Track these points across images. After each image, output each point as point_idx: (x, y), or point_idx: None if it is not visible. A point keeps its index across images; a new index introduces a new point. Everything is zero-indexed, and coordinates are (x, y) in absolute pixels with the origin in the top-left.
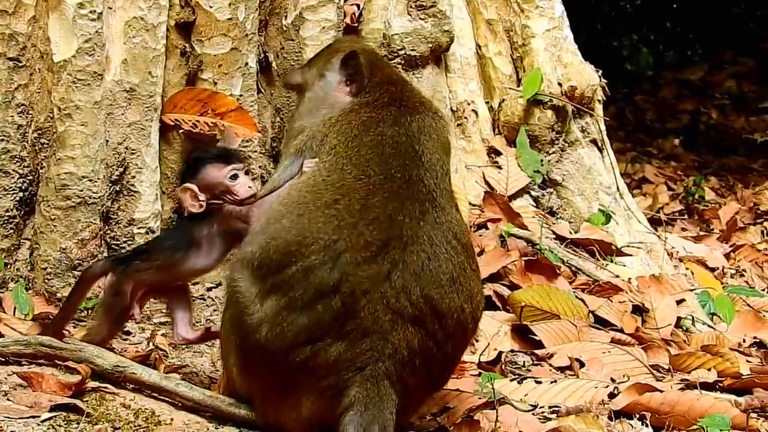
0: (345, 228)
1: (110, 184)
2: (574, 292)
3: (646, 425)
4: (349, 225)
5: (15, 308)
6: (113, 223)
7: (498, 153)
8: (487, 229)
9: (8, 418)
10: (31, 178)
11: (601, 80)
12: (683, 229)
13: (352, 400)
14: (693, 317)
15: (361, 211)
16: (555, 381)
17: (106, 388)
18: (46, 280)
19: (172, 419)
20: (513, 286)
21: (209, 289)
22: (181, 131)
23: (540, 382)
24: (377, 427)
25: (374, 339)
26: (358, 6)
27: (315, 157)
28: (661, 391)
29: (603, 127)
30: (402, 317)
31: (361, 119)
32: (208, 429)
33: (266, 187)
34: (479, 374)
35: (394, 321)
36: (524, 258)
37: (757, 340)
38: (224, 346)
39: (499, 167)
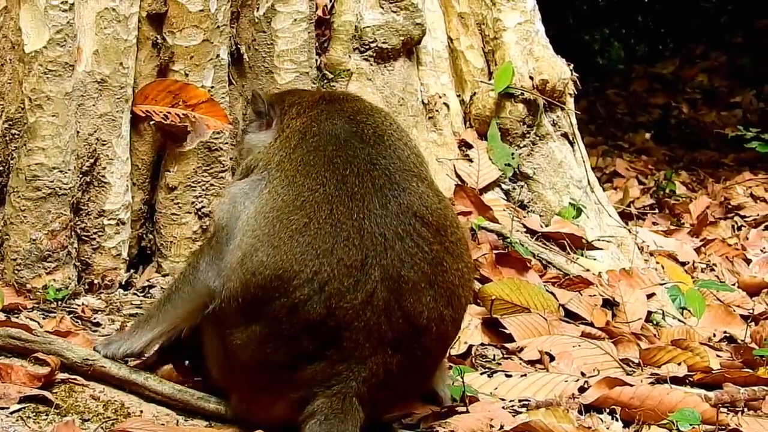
0: (324, 256)
1: (81, 175)
2: (544, 285)
3: (616, 419)
4: (327, 252)
5: None
6: (84, 214)
7: (469, 146)
8: None
9: None
10: (1, 168)
11: (572, 74)
12: (654, 223)
13: (315, 409)
14: (663, 311)
15: (333, 234)
16: (525, 375)
17: (75, 379)
18: (16, 271)
19: (141, 411)
20: (483, 280)
21: None
22: (152, 122)
23: (510, 376)
24: None
25: (352, 363)
26: None
27: (263, 179)
28: (631, 386)
29: (574, 121)
30: (382, 342)
31: (296, 128)
32: (177, 421)
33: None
34: (450, 368)
35: (375, 347)
36: (495, 251)
37: (728, 335)
38: (204, 346)
39: (470, 160)
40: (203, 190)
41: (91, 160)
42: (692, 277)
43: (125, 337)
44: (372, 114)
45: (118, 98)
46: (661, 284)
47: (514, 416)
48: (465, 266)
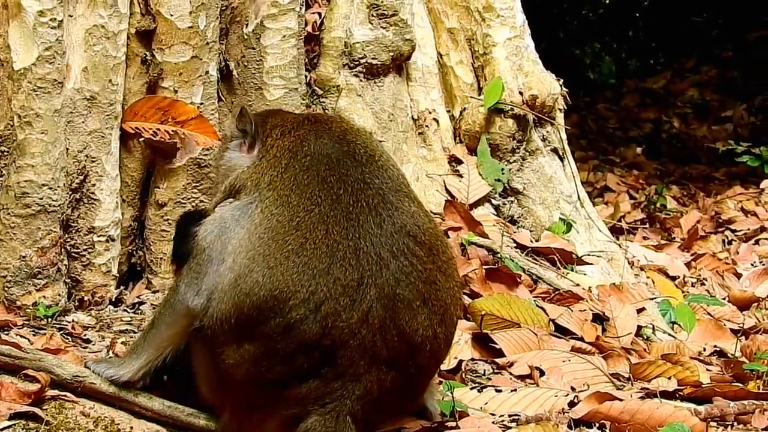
0: (320, 276)
1: (70, 192)
2: (534, 300)
3: None
4: (323, 272)
5: None
6: (73, 231)
7: (459, 161)
8: (448, 237)
9: None
10: None
11: (562, 89)
12: (645, 238)
13: (308, 427)
14: (653, 326)
15: (329, 253)
16: (515, 390)
17: (65, 396)
18: (6, 288)
19: (131, 428)
20: (474, 295)
21: None
22: (141, 139)
23: (500, 391)
24: None
25: (346, 381)
26: (319, 14)
27: (254, 200)
28: (621, 400)
29: (564, 136)
30: (377, 360)
31: (286, 147)
32: None
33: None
34: (440, 383)
35: (369, 364)
36: (485, 266)
37: (718, 349)
38: (194, 362)
39: (460, 176)
40: (193, 206)
41: (81, 177)
42: (682, 292)
43: (115, 363)
44: (359, 134)
45: (107, 115)
46: (652, 299)
47: (503, 431)
48: (456, 285)
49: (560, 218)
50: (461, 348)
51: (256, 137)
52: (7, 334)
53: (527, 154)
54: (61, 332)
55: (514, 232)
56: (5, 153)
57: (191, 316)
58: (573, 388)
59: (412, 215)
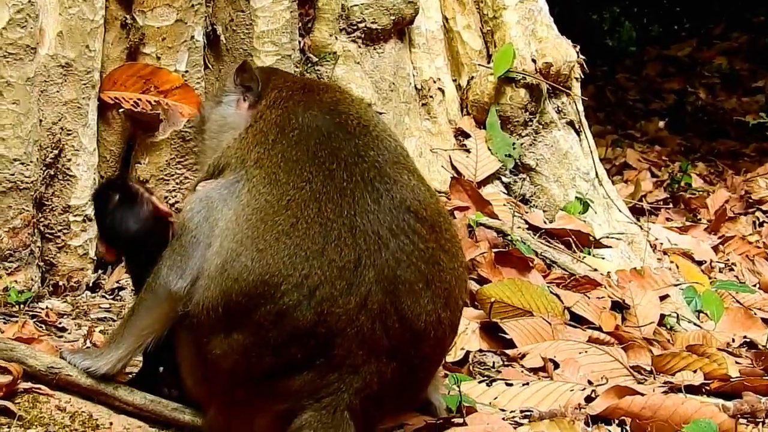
0: (314, 258)
1: (44, 168)
2: (548, 286)
3: (626, 431)
4: (317, 254)
5: None
6: (47, 210)
7: (466, 135)
8: (454, 217)
9: None
10: None
11: (579, 56)
12: (668, 219)
13: (303, 423)
14: (678, 315)
15: (323, 233)
16: (527, 383)
17: (39, 389)
18: None
19: (111, 423)
20: (482, 280)
21: None
22: (121, 110)
23: (511, 385)
24: None
25: (344, 372)
26: None
27: (241, 179)
28: (643, 395)
29: (581, 108)
30: (376, 350)
31: (272, 121)
32: None
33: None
34: (445, 375)
35: (369, 355)
36: (494, 250)
37: (747, 340)
38: (179, 354)
39: (468, 151)
40: (177, 183)
41: (56, 152)
42: (709, 278)
43: (92, 354)
44: (353, 104)
45: (84, 84)
46: (676, 285)
47: (515, 428)
48: (460, 265)
49: (576, 197)
50: (468, 338)
51: (261, 94)
52: None
53: (540, 127)
54: (35, 320)
55: (526, 213)
56: None
57: (174, 300)
58: (590, 382)
59: (412, 189)
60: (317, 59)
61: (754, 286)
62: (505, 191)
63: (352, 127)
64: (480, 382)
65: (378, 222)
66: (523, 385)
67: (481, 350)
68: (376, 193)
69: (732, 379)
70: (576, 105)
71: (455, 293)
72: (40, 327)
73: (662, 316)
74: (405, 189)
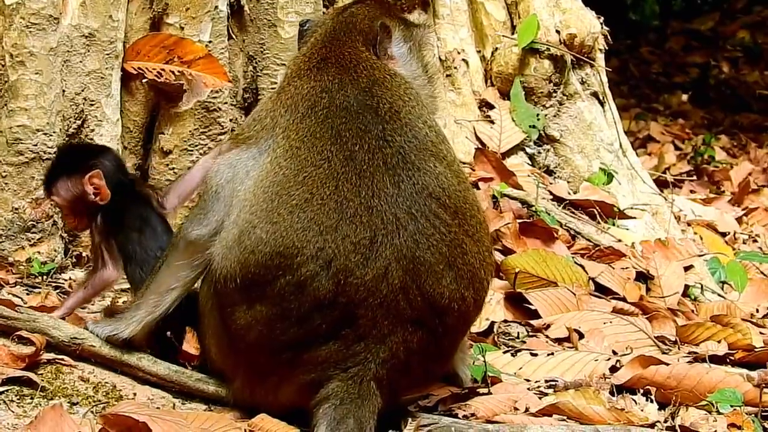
0: (327, 233)
1: (67, 138)
2: (572, 257)
3: (651, 401)
4: (330, 228)
5: None
6: None
7: (490, 106)
8: (478, 189)
9: None
10: None
11: (603, 27)
12: (692, 191)
13: (329, 392)
14: (702, 285)
15: (338, 210)
16: (552, 353)
17: (62, 360)
18: None
19: (134, 394)
20: (506, 251)
21: None
22: (144, 81)
23: (536, 355)
24: (352, 421)
25: (370, 342)
26: None
27: (267, 149)
28: (667, 365)
29: (605, 79)
30: (402, 320)
31: (304, 93)
32: (174, 405)
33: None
34: (470, 346)
35: (394, 324)
36: (518, 220)
37: None
38: (203, 325)
39: (492, 122)
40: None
41: (78, 122)
42: (733, 249)
43: (114, 319)
44: (390, 87)
45: (107, 54)
46: (700, 256)
47: (540, 398)
48: (486, 250)
49: (600, 168)
50: (493, 309)
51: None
52: None
53: (564, 98)
54: (57, 291)
55: (550, 183)
56: None
57: (193, 249)
58: (615, 352)
59: (437, 176)
60: None
61: None
62: (529, 162)
63: (383, 110)
64: (505, 353)
65: (396, 205)
66: (548, 355)
67: (505, 321)
68: (397, 178)
69: (756, 350)
70: (600, 76)
71: (480, 275)
72: (63, 298)
73: (686, 287)
74: (428, 176)
